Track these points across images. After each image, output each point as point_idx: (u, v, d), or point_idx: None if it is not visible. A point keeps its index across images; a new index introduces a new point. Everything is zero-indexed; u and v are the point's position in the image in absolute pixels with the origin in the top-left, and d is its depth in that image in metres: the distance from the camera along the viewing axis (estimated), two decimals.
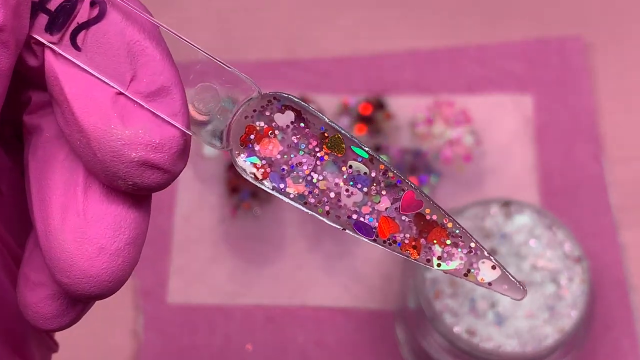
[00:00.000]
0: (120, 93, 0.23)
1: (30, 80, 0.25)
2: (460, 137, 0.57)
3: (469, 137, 0.57)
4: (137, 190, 0.24)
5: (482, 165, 0.59)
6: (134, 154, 0.23)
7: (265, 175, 0.25)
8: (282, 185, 0.25)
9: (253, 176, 0.25)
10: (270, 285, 0.56)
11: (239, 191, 0.56)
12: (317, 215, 0.26)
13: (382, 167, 0.25)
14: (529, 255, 0.49)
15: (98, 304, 0.26)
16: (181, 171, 0.25)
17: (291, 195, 0.26)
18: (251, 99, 0.25)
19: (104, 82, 0.23)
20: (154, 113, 0.24)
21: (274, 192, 0.25)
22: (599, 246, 0.56)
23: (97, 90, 0.23)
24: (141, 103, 0.23)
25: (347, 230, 0.25)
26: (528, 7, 0.64)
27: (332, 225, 0.25)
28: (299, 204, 0.26)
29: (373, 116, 0.58)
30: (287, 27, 0.64)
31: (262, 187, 0.25)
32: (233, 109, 0.25)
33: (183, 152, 0.24)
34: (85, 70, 0.23)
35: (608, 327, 0.54)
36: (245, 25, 0.64)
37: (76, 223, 0.24)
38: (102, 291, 0.24)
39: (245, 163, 0.25)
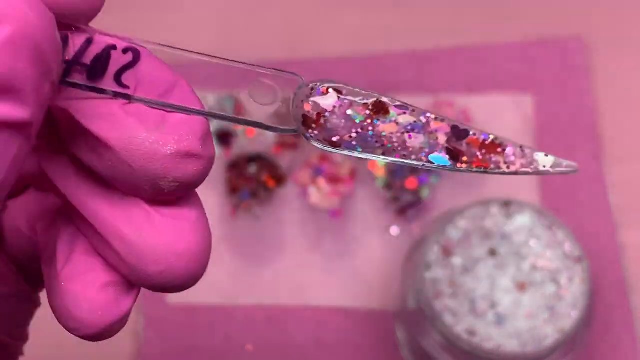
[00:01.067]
0: (128, 103, 0.24)
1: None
2: None
3: None
4: (182, 187, 0.25)
5: None
6: (166, 148, 0.24)
7: (339, 143, 0.27)
8: (358, 149, 0.27)
9: (330, 146, 0.27)
10: (270, 285, 0.56)
11: (239, 191, 0.56)
12: (397, 160, 0.27)
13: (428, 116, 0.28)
14: (529, 255, 0.49)
15: None
16: (214, 156, 0.25)
17: (371, 151, 0.27)
18: (300, 87, 0.27)
19: (109, 98, 0.24)
20: (166, 110, 0.24)
21: (355, 154, 0.27)
22: (599, 246, 0.56)
23: (106, 107, 0.24)
24: (152, 101, 0.24)
25: (425, 165, 0.28)
26: (528, 7, 0.64)
27: (413, 164, 0.28)
28: (379, 154, 0.27)
29: None
30: (287, 27, 0.64)
31: (345, 153, 0.27)
32: (289, 98, 0.27)
33: (208, 135, 0.25)
34: (88, 98, 0.24)
35: (608, 327, 0.54)
36: (245, 25, 0.64)
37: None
38: (183, 283, 0.27)
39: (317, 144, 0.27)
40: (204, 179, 0.25)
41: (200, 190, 0.28)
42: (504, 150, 0.28)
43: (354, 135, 0.27)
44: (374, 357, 0.54)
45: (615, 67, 0.62)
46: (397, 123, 0.28)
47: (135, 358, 0.54)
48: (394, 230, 0.57)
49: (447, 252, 0.49)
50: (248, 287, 0.56)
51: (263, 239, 0.57)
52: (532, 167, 0.28)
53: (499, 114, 0.60)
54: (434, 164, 0.28)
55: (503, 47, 0.63)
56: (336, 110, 0.27)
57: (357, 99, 0.27)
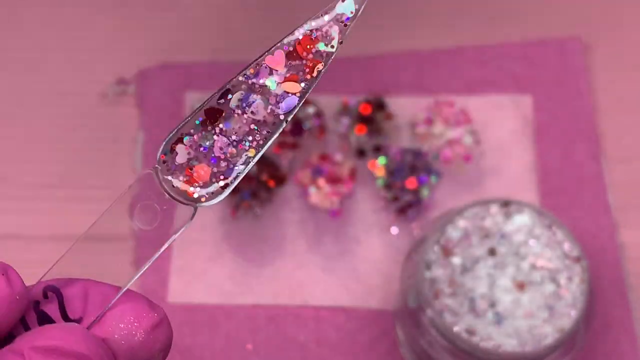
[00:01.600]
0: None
1: None
2: (460, 137, 0.57)
3: (468, 137, 0.57)
4: (166, 352, 0.27)
5: (482, 165, 0.59)
6: (137, 337, 0.26)
7: (226, 178, 0.28)
8: (237, 168, 0.28)
9: (221, 189, 0.28)
10: (271, 284, 0.56)
11: (239, 191, 0.56)
12: (269, 144, 0.28)
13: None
14: (529, 255, 0.49)
15: None
16: (164, 312, 0.28)
17: (248, 158, 0.28)
18: (156, 176, 0.28)
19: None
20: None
21: (241, 175, 0.28)
22: (599, 246, 0.56)
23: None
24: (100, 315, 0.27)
25: (287, 120, 0.28)
26: (527, 7, 0.65)
27: (279, 131, 0.28)
28: (254, 155, 0.28)
29: (373, 116, 0.58)
30: (287, 27, 0.64)
31: (236, 182, 0.28)
32: (161, 193, 0.28)
33: (150, 301, 0.27)
34: None
35: (607, 326, 0.54)
36: (245, 25, 0.64)
37: None
38: None
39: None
40: (172, 333, 0.28)
41: None
42: (317, 29, 0.28)
43: (223, 162, 0.27)
44: (373, 356, 0.54)
45: (614, 67, 0.62)
46: (235, 112, 0.27)
47: None
48: (394, 230, 0.57)
49: (447, 252, 0.49)
50: (248, 287, 0.56)
51: (263, 238, 0.57)
52: (342, 22, 0.28)
53: (499, 114, 0.60)
54: (291, 110, 0.27)
55: (503, 48, 0.63)
56: (192, 154, 0.27)
57: (195, 127, 0.27)
